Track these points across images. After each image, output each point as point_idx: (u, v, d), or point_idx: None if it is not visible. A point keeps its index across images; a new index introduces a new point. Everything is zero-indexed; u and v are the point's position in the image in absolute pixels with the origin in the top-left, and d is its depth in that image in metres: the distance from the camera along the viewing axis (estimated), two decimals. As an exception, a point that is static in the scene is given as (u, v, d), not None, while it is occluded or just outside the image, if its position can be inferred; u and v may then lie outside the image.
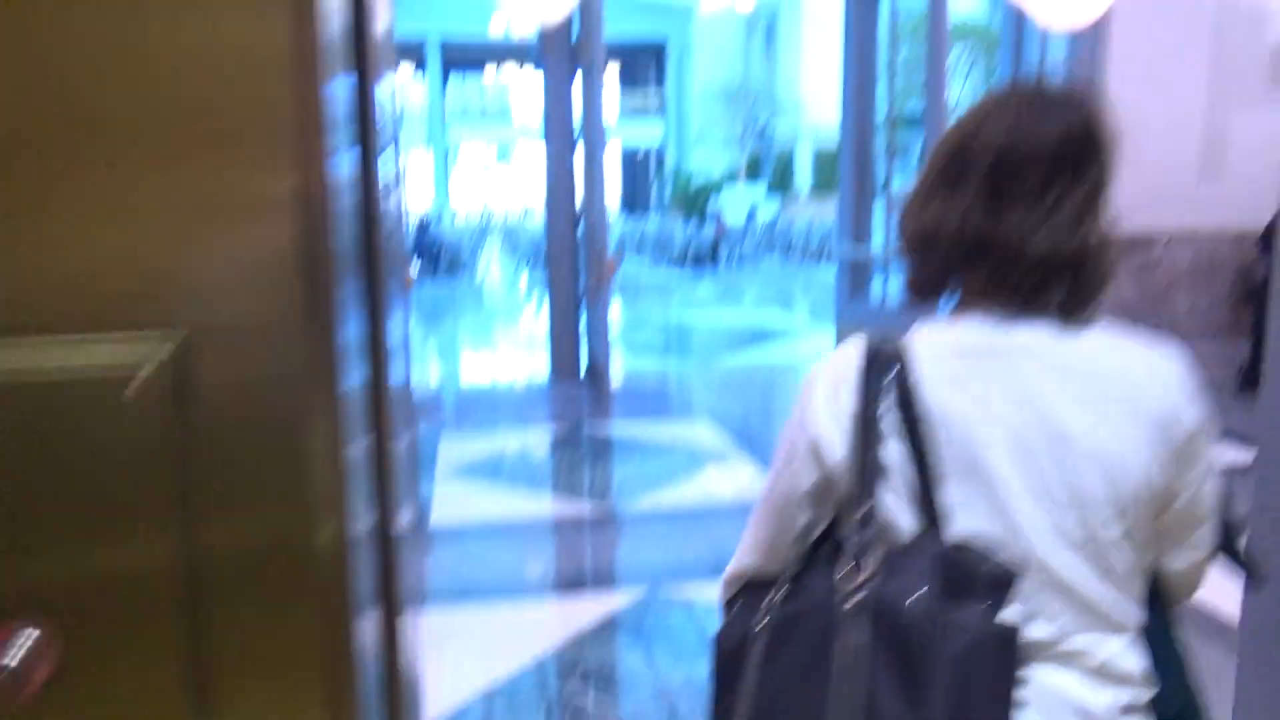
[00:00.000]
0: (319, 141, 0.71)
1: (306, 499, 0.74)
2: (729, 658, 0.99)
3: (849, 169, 7.12)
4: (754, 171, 32.70)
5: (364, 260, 0.84)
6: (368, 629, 0.83)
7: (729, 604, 1.07)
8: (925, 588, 0.86)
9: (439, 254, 17.65)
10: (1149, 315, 6.49)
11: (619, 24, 31.80)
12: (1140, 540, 0.96)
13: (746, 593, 1.04)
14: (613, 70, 37.45)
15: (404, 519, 1.00)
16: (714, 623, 1.06)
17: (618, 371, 7.85)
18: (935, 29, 6.13)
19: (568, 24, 6.35)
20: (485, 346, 9.72)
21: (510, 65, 36.77)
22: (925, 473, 0.93)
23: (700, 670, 2.78)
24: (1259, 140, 6.32)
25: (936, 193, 1.00)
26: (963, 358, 0.96)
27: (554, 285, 7.14)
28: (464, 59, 35.62)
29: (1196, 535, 1.02)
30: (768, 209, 26.38)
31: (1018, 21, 6.72)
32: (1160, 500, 0.97)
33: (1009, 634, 0.86)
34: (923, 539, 0.92)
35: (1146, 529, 0.97)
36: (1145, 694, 0.97)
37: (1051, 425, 0.93)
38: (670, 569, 3.62)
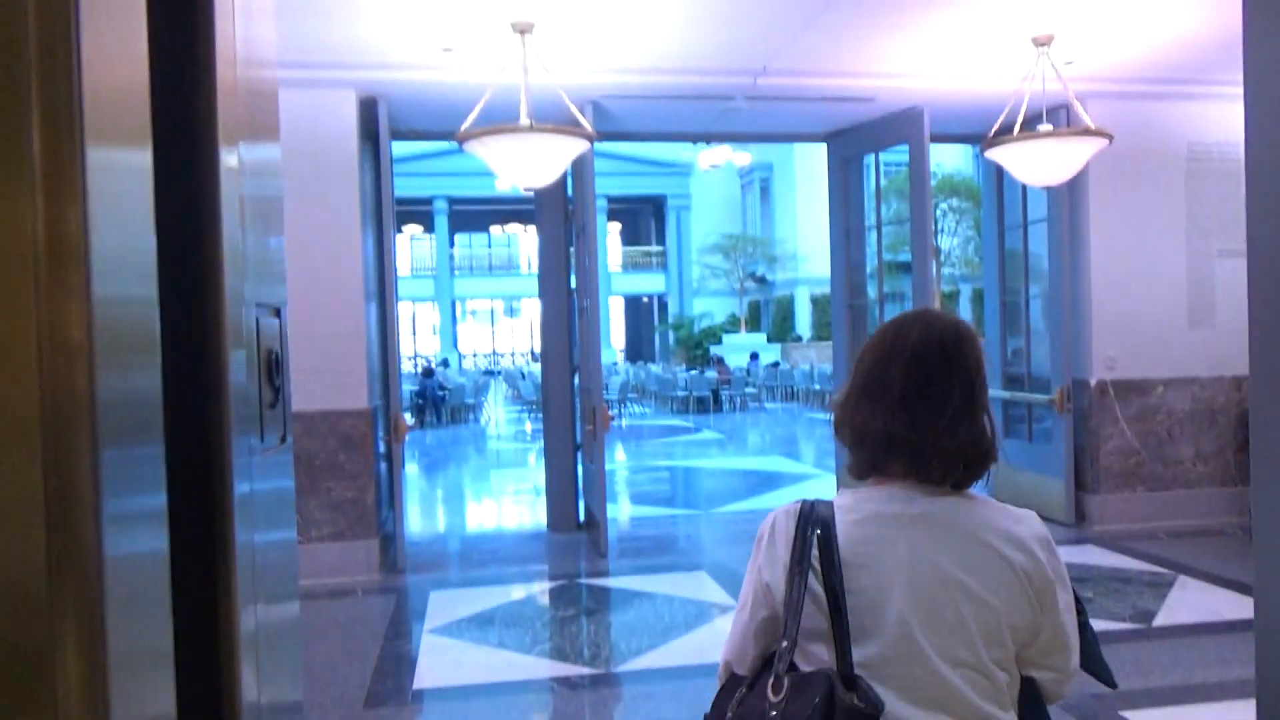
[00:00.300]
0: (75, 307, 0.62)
1: (50, 709, 0.63)
2: None
3: (841, 318, 7.24)
4: (754, 318, 33.30)
5: (201, 418, 0.78)
6: None
7: (720, 689, 1.36)
8: (820, 713, 1.13)
9: (442, 401, 17.77)
10: (1154, 462, 6.42)
11: (619, 182, 33.26)
12: (1012, 662, 1.27)
13: (731, 681, 1.34)
14: (615, 226, 38.84)
15: (272, 695, 0.93)
16: None
17: (624, 518, 7.72)
18: (917, 185, 6.37)
19: (562, 183, 6.62)
20: (483, 495, 9.61)
21: (515, 223, 38.19)
22: (836, 618, 1.20)
23: None
24: (1244, 286, 6.44)
25: (863, 401, 1.29)
26: (876, 522, 1.26)
27: (551, 435, 7.13)
28: (471, 216, 37.04)
29: (1059, 658, 1.31)
30: (769, 354, 26.68)
31: (999, 176, 6.99)
32: (1026, 634, 1.26)
33: None
34: (820, 671, 1.19)
35: (1016, 653, 1.27)
36: None
37: (942, 575, 1.22)
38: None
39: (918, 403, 1.25)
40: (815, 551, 1.22)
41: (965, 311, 28.46)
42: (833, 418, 1.38)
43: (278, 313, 1.01)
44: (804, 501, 1.27)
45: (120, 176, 0.70)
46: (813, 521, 1.23)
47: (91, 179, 0.63)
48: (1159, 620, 4.55)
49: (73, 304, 0.62)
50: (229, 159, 0.87)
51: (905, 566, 1.22)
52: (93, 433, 0.63)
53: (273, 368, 0.95)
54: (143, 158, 0.75)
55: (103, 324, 0.64)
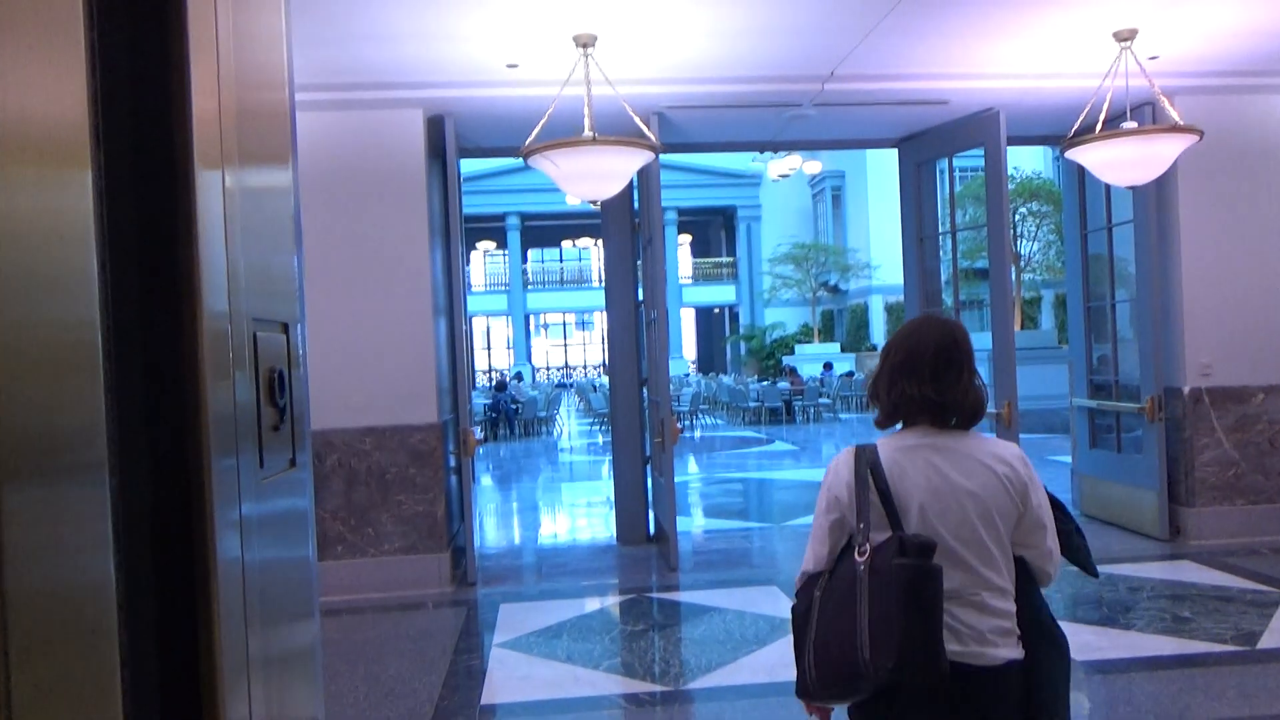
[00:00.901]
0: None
1: None
2: (801, 618, 1.88)
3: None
4: (828, 328, 32.85)
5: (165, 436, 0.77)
6: None
7: (799, 591, 1.93)
8: (894, 555, 1.73)
9: (515, 414, 17.93)
10: (1254, 474, 6.07)
11: (689, 194, 33.19)
12: (1004, 542, 1.85)
13: (810, 580, 1.91)
14: (685, 238, 38.81)
15: (275, 713, 0.91)
16: None
17: (695, 530, 7.64)
18: (994, 189, 6.17)
19: (628, 196, 6.60)
20: (555, 508, 9.64)
21: (586, 237, 38.50)
22: (889, 507, 1.81)
23: None
24: (1352, 287, 6.07)
25: (898, 378, 1.91)
26: (904, 451, 1.88)
27: (620, 448, 7.11)
28: (543, 231, 37.47)
29: (1037, 537, 1.89)
30: (843, 364, 26.27)
31: (1080, 178, 6.73)
32: (1012, 519, 1.86)
33: (936, 569, 1.72)
34: (891, 537, 1.77)
35: (1007, 535, 1.86)
36: (1010, 624, 1.84)
37: (950, 483, 1.84)
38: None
39: (942, 377, 1.88)
40: (868, 472, 1.84)
41: (1048, 318, 27.55)
42: (869, 389, 2.03)
43: (285, 329, 0.99)
44: (857, 446, 1.91)
45: (43, 197, 0.69)
46: (864, 455, 1.87)
47: None
48: (1264, 642, 4.28)
49: None
50: (209, 181, 0.86)
51: (923, 475, 1.84)
52: None
53: (275, 387, 0.93)
54: (79, 178, 0.74)
55: (6, 347, 0.61)
